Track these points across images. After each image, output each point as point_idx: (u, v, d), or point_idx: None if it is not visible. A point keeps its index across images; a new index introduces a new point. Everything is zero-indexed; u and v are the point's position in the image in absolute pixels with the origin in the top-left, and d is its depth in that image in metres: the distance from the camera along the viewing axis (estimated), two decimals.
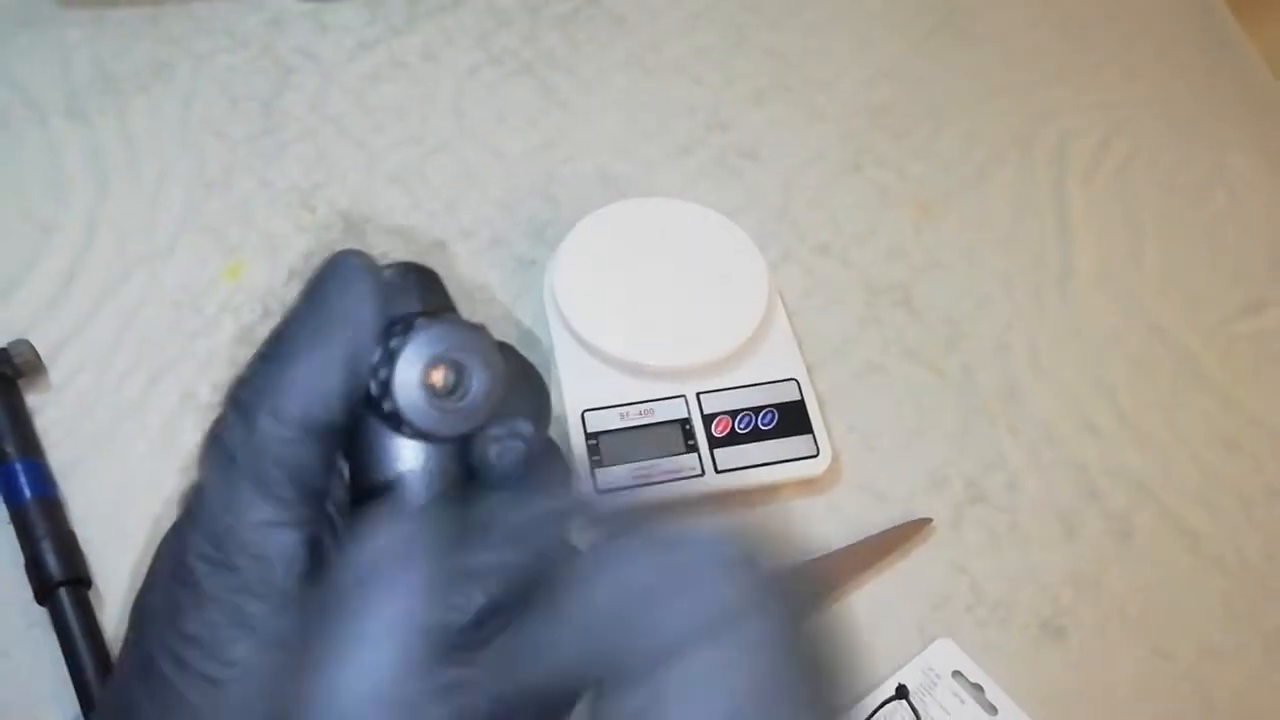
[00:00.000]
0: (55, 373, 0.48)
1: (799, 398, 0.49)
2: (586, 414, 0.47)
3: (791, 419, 0.48)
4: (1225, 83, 0.69)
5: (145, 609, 0.21)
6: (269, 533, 0.20)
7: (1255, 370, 0.56)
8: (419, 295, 0.22)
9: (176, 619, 0.20)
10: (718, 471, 0.46)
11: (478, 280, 0.53)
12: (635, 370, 0.48)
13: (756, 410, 0.48)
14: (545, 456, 0.23)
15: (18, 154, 0.55)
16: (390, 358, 0.20)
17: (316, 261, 0.22)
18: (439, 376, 0.20)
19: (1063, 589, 0.48)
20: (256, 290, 0.52)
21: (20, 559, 0.42)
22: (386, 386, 0.20)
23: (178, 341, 0.50)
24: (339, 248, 0.22)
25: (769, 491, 0.48)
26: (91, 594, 0.42)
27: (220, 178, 0.55)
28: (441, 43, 0.63)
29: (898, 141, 0.62)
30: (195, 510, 0.21)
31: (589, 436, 0.46)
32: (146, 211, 0.54)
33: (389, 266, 0.22)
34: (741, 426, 0.48)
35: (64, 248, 0.52)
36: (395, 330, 0.20)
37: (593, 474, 0.46)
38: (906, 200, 0.60)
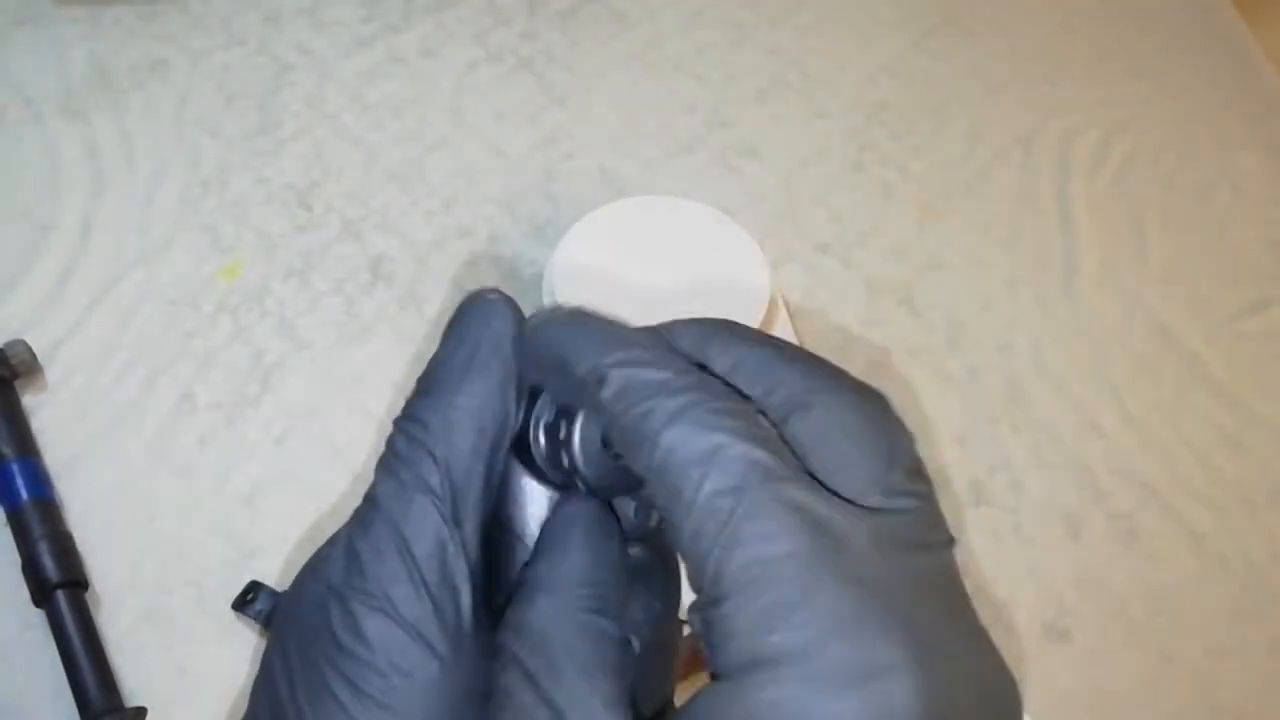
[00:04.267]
0: (51, 372, 0.48)
1: None
2: None
3: None
4: (1229, 80, 0.68)
5: (304, 622, 0.21)
6: (454, 560, 0.21)
7: (1260, 369, 0.55)
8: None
9: (343, 640, 0.20)
10: None
11: (477, 279, 0.53)
12: None
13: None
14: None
15: (14, 152, 0.55)
16: (569, 413, 0.21)
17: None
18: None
19: (1067, 591, 0.47)
20: (254, 289, 0.51)
21: (17, 561, 0.42)
22: (562, 440, 0.21)
23: (175, 341, 0.49)
24: (476, 288, 0.24)
25: None
26: (89, 596, 0.42)
27: (217, 176, 0.55)
28: (440, 39, 0.62)
29: (899, 140, 0.62)
30: (371, 524, 0.21)
31: None
32: (142, 210, 0.53)
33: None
34: None
35: (60, 246, 0.52)
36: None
37: None
38: (908, 199, 0.60)
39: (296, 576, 0.23)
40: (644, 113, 0.61)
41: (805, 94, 0.63)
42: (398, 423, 0.22)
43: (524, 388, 0.22)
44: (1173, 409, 0.54)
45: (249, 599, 0.42)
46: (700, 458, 0.18)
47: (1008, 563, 0.48)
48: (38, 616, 0.41)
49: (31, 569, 0.42)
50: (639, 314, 0.48)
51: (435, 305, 0.52)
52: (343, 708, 0.20)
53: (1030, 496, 0.50)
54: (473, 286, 0.53)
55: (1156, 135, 0.64)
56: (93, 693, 0.40)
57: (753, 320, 0.49)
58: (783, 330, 0.51)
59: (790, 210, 0.58)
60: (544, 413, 0.22)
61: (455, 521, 0.21)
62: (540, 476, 0.22)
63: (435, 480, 0.21)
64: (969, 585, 0.48)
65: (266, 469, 0.46)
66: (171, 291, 0.51)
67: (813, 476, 0.19)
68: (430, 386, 0.22)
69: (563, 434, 0.21)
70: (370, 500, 0.22)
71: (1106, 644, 0.46)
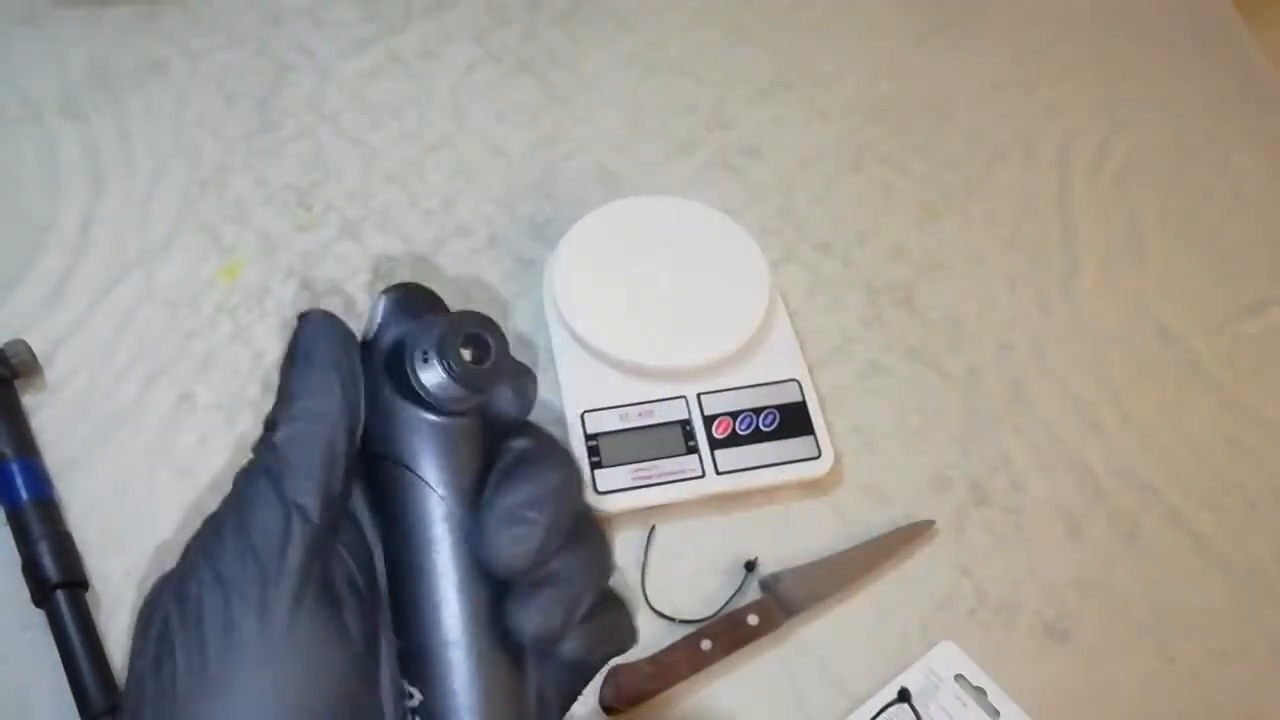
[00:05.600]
0: (51, 373, 0.48)
1: (800, 399, 0.48)
2: (586, 415, 0.46)
3: (793, 420, 0.48)
4: (1230, 81, 0.68)
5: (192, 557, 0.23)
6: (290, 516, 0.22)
7: (1259, 370, 0.55)
8: (424, 305, 0.26)
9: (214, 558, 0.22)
10: (718, 473, 0.46)
11: (477, 279, 0.53)
12: (635, 371, 0.47)
13: (758, 411, 0.48)
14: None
15: (14, 152, 0.55)
16: (426, 353, 0.23)
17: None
18: (469, 352, 0.24)
19: (1067, 591, 0.47)
20: (253, 290, 0.51)
21: (17, 561, 0.42)
22: (434, 373, 0.23)
23: (174, 341, 0.49)
24: (303, 308, 0.26)
25: (770, 493, 0.48)
26: (88, 596, 0.42)
27: (216, 176, 0.55)
28: (439, 40, 0.62)
29: (900, 140, 0.62)
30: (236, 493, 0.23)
31: (589, 437, 0.46)
32: (142, 210, 0.53)
33: (392, 289, 0.26)
34: (743, 428, 0.47)
35: (60, 247, 0.52)
36: (420, 330, 0.24)
37: (593, 475, 0.45)
38: (909, 199, 0.60)
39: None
40: (644, 113, 0.61)
41: (805, 94, 0.63)
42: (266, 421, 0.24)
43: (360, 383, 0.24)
44: (1173, 409, 0.54)
45: None
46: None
47: (1007, 563, 0.48)
48: (38, 616, 0.41)
49: (31, 569, 0.42)
50: (639, 314, 0.48)
51: None
52: (177, 676, 0.20)
53: (1030, 497, 0.50)
54: (472, 286, 0.53)
55: (1156, 136, 0.64)
56: (93, 693, 0.40)
57: (753, 320, 0.49)
58: (783, 330, 0.51)
59: (790, 210, 0.58)
60: (414, 351, 0.24)
61: (294, 501, 0.22)
62: (424, 405, 0.24)
63: (277, 467, 0.22)
64: (969, 585, 0.48)
65: None
66: (171, 292, 0.51)
67: None
68: (279, 393, 0.24)
69: (418, 365, 0.24)
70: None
71: (1107, 645, 0.46)
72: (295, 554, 0.21)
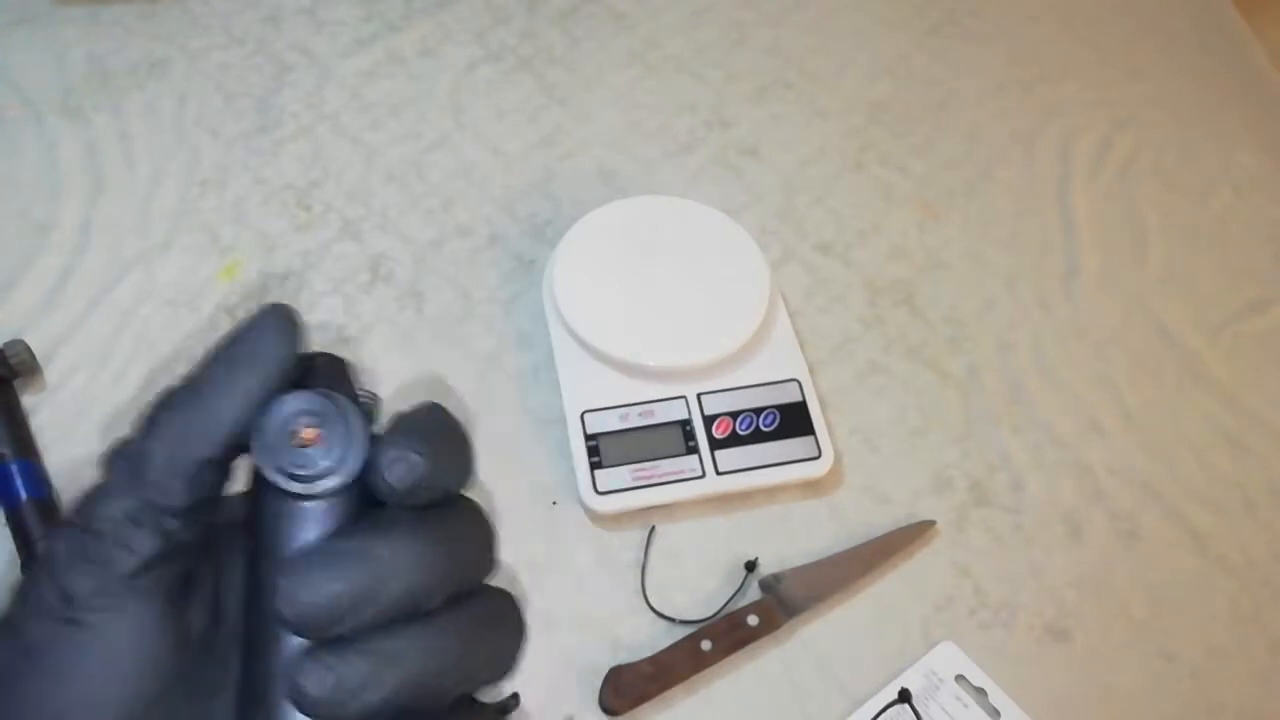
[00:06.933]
0: (51, 373, 0.48)
1: (801, 399, 0.48)
2: (586, 415, 0.46)
3: (793, 420, 0.48)
4: (1230, 80, 0.68)
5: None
6: (132, 528, 0.21)
7: (1260, 370, 0.55)
8: (325, 382, 0.23)
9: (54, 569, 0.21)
10: (719, 473, 0.46)
11: (476, 279, 0.53)
12: (635, 371, 0.47)
13: (758, 411, 0.48)
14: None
15: (13, 151, 0.54)
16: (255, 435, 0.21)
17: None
18: (311, 434, 0.21)
19: (1067, 591, 0.47)
20: (252, 289, 0.51)
21: (16, 560, 0.42)
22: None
23: (173, 341, 0.49)
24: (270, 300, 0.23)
25: (770, 494, 0.48)
26: None
27: (215, 175, 0.55)
28: (439, 39, 0.62)
29: (900, 139, 0.62)
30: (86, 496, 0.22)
31: (589, 438, 0.46)
32: (141, 210, 0.53)
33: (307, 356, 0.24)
34: (743, 428, 0.47)
35: (59, 246, 0.52)
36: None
37: (593, 475, 0.45)
38: (909, 198, 0.59)
39: None
40: (644, 112, 0.61)
41: (805, 93, 0.63)
42: (146, 408, 0.23)
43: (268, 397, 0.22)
44: (1173, 409, 0.53)
45: None
46: None
47: (1008, 564, 0.48)
48: None
49: (31, 569, 0.41)
50: (639, 314, 0.48)
51: (435, 305, 0.52)
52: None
53: (1030, 497, 0.50)
54: (473, 286, 0.53)
55: (1156, 135, 0.64)
56: None
57: (753, 320, 0.49)
58: (783, 330, 0.51)
59: (790, 209, 0.58)
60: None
61: (141, 496, 0.21)
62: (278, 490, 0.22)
63: (133, 464, 0.21)
64: (969, 585, 0.48)
65: None
66: (171, 292, 0.51)
67: None
68: (189, 381, 0.23)
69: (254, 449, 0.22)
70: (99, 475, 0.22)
71: (1107, 644, 0.46)
72: (142, 542, 0.20)
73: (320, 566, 0.20)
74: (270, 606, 0.20)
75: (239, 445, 0.22)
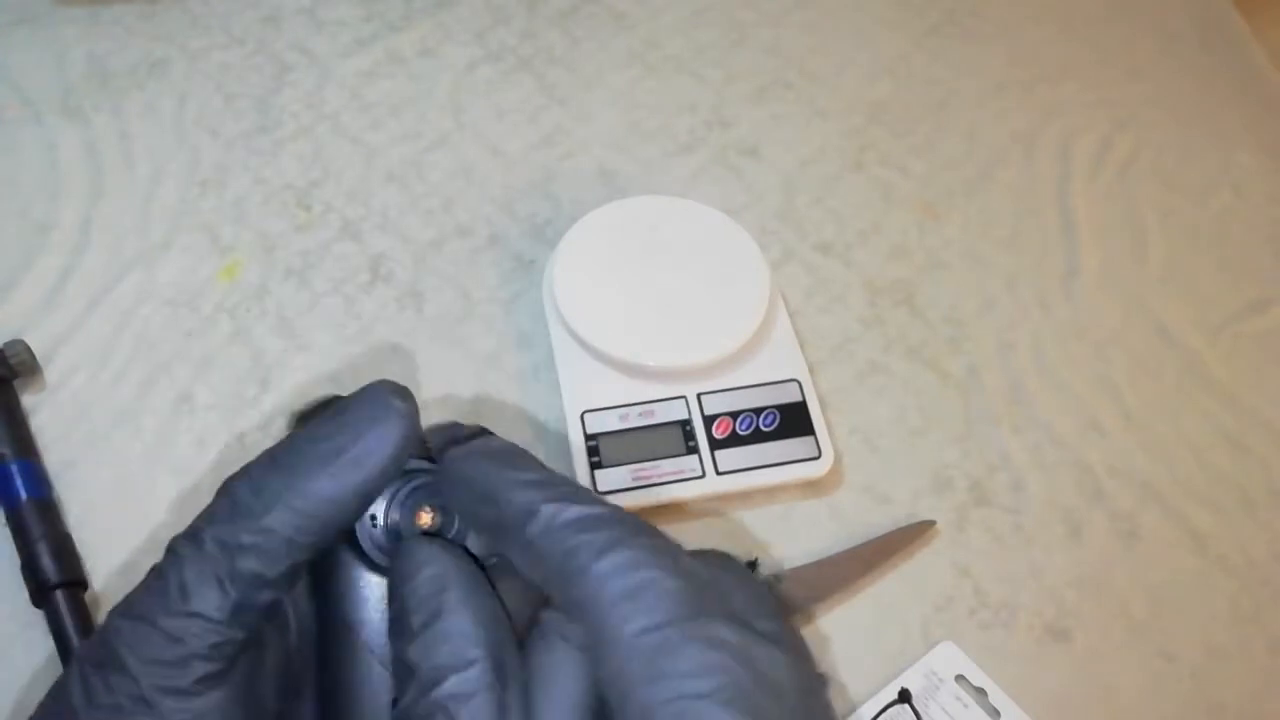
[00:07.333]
0: (51, 373, 0.48)
1: (801, 399, 0.48)
2: (586, 415, 0.46)
3: (793, 420, 0.48)
4: (1230, 80, 0.68)
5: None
6: (197, 625, 0.20)
7: (1260, 370, 0.55)
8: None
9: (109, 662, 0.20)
10: (719, 473, 0.46)
11: (476, 279, 0.53)
12: (635, 371, 0.47)
13: (758, 411, 0.48)
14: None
15: (13, 151, 0.55)
16: (374, 518, 0.22)
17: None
18: (427, 519, 0.22)
19: (1067, 591, 0.47)
20: (253, 289, 0.51)
21: (16, 561, 0.42)
22: (388, 529, 0.22)
23: (174, 341, 0.49)
24: (381, 379, 0.23)
25: (770, 494, 0.48)
26: (88, 596, 0.42)
27: (215, 176, 0.55)
28: (439, 38, 0.62)
29: (900, 139, 0.62)
30: (152, 582, 0.21)
31: (588, 438, 0.46)
32: (141, 210, 0.53)
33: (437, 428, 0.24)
34: (743, 428, 0.47)
35: (59, 246, 0.52)
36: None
37: (592, 475, 0.45)
38: (909, 199, 0.60)
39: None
40: (644, 112, 0.61)
41: (805, 93, 0.63)
42: (228, 483, 0.21)
43: (374, 498, 0.22)
44: (1173, 409, 0.53)
45: None
46: (627, 593, 0.19)
47: (1008, 564, 0.48)
48: (37, 616, 0.41)
49: (31, 569, 0.41)
50: (639, 314, 0.48)
51: (435, 305, 0.52)
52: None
53: (1030, 497, 0.50)
54: (473, 286, 0.53)
55: (1156, 135, 0.64)
56: None
57: (753, 320, 0.49)
58: (783, 330, 0.51)
59: (790, 209, 0.58)
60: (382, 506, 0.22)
61: (244, 583, 0.20)
62: (371, 564, 0.22)
63: (241, 553, 0.20)
64: (969, 585, 0.48)
65: None
66: (170, 292, 0.51)
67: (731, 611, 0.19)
68: (284, 459, 0.21)
69: (387, 520, 0.22)
70: (170, 550, 0.21)
71: (1107, 645, 0.46)
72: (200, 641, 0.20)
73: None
74: (353, 677, 0.21)
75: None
